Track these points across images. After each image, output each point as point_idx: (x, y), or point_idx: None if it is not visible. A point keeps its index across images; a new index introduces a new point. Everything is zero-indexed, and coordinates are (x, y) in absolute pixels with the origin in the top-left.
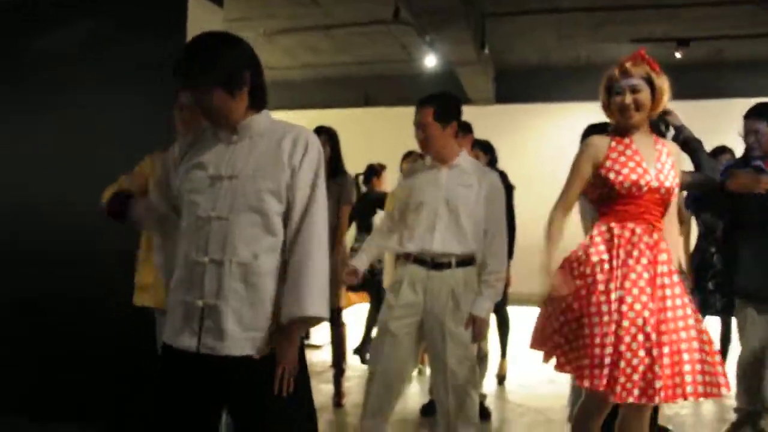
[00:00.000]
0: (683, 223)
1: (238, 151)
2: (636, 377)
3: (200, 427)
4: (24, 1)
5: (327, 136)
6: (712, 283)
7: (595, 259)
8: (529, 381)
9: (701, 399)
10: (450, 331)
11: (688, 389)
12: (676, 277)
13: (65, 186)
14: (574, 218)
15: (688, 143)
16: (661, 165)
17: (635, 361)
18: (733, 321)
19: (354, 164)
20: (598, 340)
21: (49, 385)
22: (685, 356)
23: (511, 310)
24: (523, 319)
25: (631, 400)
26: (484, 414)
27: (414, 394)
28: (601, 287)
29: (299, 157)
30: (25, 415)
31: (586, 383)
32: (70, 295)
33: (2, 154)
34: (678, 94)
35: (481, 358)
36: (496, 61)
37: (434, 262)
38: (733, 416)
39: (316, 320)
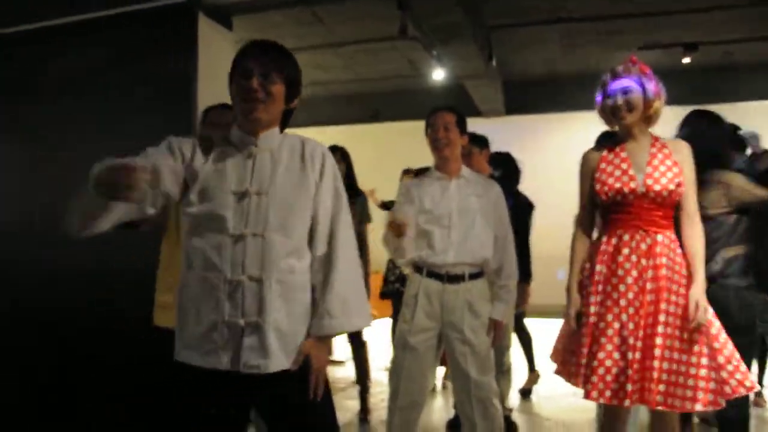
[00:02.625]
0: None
1: (261, 165)
2: (609, 379)
3: None
4: (46, 28)
5: (341, 154)
6: None
7: (585, 274)
8: (555, 394)
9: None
10: (470, 341)
11: (658, 398)
12: (675, 285)
13: None
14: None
15: None
16: (652, 168)
17: (608, 363)
18: None
19: (365, 180)
20: (582, 347)
21: (67, 405)
22: (655, 363)
23: (531, 323)
24: (543, 331)
25: (602, 401)
26: (511, 428)
27: (439, 409)
28: (587, 300)
29: (318, 170)
30: None
31: (572, 382)
32: (88, 313)
33: (27, 173)
34: (687, 99)
35: (504, 372)
36: (504, 73)
37: (449, 276)
38: None
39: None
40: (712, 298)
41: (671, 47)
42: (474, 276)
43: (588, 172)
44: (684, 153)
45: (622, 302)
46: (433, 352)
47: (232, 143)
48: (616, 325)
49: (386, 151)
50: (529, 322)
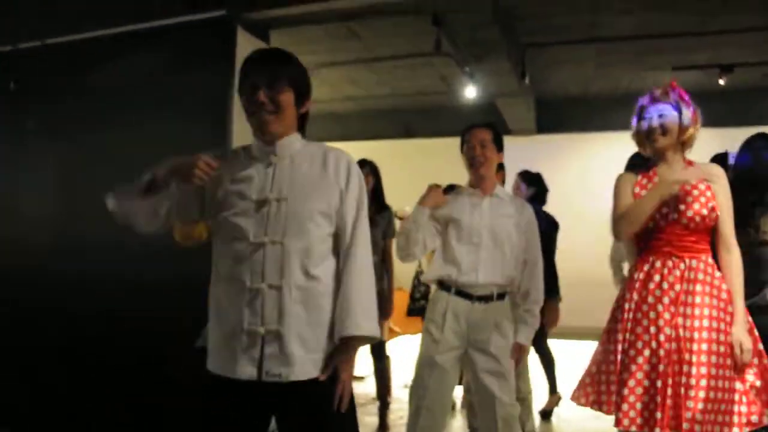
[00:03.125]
0: None
1: (281, 172)
2: (639, 407)
3: None
4: (90, 39)
5: (370, 168)
6: None
7: (618, 303)
8: (575, 416)
9: None
10: (496, 361)
11: (685, 426)
12: (707, 310)
13: None
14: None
15: None
16: (684, 193)
17: (639, 390)
18: None
19: (395, 195)
20: (612, 374)
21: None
22: (691, 392)
23: (555, 344)
24: (565, 352)
25: (633, 428)
26: None
27: (458, 428)
28: (616, 327)
29: (344, 180)
30: None
31: (603, 410)
32: (88, 315)
33: (75, 180)
34: (724, 121)
35: (522, 400)
36: (536, 91)
37: (477, 295)
38: None
39: (369, 339)
40: (764, 325)
41: (706, 68)
42: (501, 296)
43: (628, 194)
44: (718, 177)
45: (652, 329)
46: (457, 371)
47: (253, 155)
48: (647, 353)
49: (417, 167)
50: (551, 343)
